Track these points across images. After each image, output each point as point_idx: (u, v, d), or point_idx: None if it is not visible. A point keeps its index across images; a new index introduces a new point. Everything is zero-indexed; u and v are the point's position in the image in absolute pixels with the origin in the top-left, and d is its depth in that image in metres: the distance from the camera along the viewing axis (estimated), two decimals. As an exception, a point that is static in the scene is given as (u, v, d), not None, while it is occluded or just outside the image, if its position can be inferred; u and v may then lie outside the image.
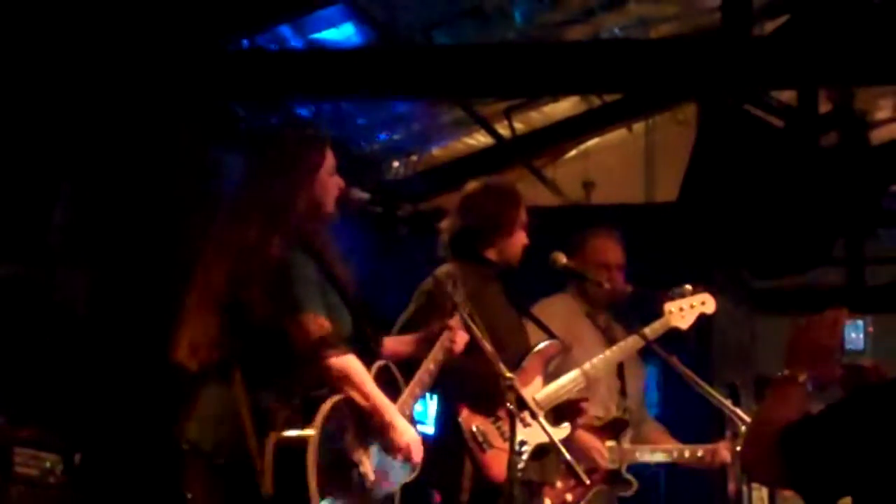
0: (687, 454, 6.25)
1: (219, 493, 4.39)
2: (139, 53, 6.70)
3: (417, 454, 4.61)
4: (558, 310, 6.21)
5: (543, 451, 5.35)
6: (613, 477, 6.11)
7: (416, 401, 4.81)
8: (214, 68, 7.04)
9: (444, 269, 5.31)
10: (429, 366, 4.82)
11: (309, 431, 4.28)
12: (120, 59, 6.67)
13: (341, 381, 4.44)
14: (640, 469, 6.23)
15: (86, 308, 6.73)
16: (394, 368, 4.73)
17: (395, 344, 4.98)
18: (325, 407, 4.35)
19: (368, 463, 4.49)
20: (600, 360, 5.83)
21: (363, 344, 4.64)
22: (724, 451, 6.11)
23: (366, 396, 4.48)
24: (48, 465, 5.71)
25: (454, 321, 4.85)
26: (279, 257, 4.41)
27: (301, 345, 4.39)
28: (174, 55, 6.79)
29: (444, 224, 5.65)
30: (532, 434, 5.18)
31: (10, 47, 6.44)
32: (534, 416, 4.62)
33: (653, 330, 5.96)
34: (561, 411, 5.69)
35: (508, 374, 4.55)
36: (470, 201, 5.67)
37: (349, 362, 4.46)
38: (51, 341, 6.51)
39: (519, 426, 4.90)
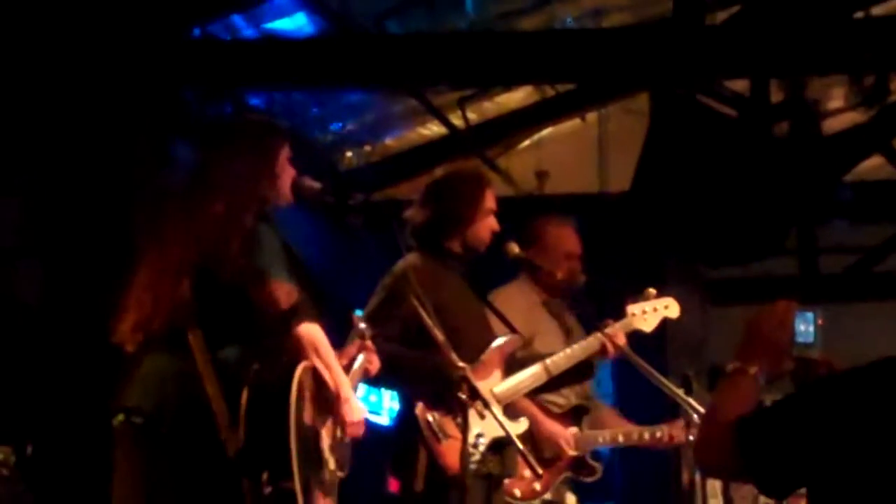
0: (646, 436, 6.26)
1: (159, 464, 4.30)
2: (89, 42, 6.65)
3: (360, 432, 4.60)
4: (517, 300, 6.20)
5: (503, 445, 5.32)
6: (578, 463, 6.13)
7: None
8: (166, 57, 6.98)
9: (401, 264, 5.35)
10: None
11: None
12: (70, 49, 6.62)
13: (308, 349, 4.42)
14: (595, 459, 6.24)
15: (39, 300, 6.68)
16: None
17: None
18: (301, 366, 4.36)
19: (326, 437, 4.49)
20: (561, 357, 5.79)
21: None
22: (678, 431, 6.12)
23: (328, 367, 4.47)
24: (1, 457, 5.67)
25: (369, 343, 4.83)
26: (248, 226, 4.42)
27: (270, 312, 4.37)
28: (125, 43, 6.74)
29: (408, 214, 5.63)
30: (490, 427, 5.16)
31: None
32: (486, 405, 4.62)
33: (615, 331, 5.92)
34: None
35: (461, 365, 4.55)
36: (430, 192, 5.66)
37: (316, 331, 4.45)
38: (4, 333, 6.47)
39: (476, 419, 4.92)
